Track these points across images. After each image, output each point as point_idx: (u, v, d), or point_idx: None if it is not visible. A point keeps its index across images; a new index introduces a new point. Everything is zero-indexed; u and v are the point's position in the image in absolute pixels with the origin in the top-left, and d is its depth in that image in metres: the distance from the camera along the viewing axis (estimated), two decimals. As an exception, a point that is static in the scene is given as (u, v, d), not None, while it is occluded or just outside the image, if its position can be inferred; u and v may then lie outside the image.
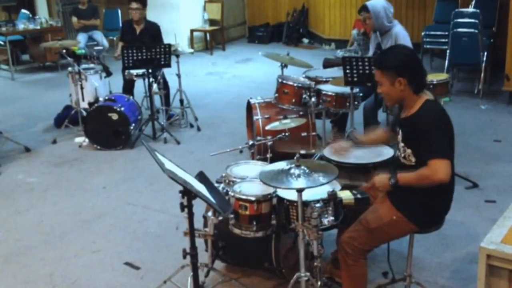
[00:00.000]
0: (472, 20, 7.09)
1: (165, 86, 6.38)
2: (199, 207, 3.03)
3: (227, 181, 3.39)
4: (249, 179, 3.30)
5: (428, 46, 8.30)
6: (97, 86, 6.21)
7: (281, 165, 2.89)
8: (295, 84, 4.89)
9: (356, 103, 4.82)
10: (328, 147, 3.49)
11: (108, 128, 5.85)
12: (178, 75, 6.33)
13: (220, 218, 3.10)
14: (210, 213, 3.13)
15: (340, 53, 9.27)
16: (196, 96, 7.42)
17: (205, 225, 3.37)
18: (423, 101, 2.82)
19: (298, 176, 2.75)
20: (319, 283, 2.94)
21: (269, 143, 3.87)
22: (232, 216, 3.10)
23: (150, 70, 5.94)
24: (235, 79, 8.82)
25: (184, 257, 2.87)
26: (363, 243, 2.90)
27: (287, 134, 3.95)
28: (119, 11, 10.26)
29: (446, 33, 7.45)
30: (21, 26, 9.30)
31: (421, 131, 2.74)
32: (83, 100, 6.12)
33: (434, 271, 3.56)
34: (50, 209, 4.68)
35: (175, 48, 6.28)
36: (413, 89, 2.81)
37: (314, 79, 5.18)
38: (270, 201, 3.07)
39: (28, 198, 4.89)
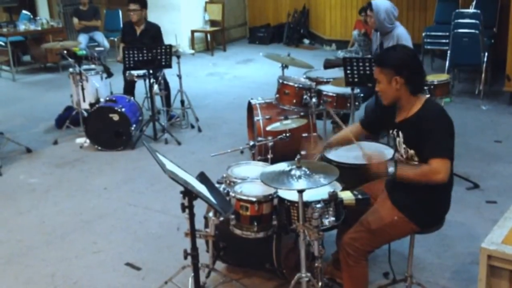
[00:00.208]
0: (473, 21, 7.09)
1: (166, 86, 6.38)
2: (200, 207, 3.04)
3: (228, 181, 3.39)
4: (250, 179, 3.30)
5: (428, 47, 8.30)
6: (98, 87, 6.22)
7: (282, 166, 2.90)
8: (296, 85, 4.90)
9: (357, 103, 4.83)
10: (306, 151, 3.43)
11: (109, 129, 5.85)
12: (179, 76, 6.34)
13: (221, 218, 3.11)
14: (211, 214, 3.13)
15: (340, 53, 9.28)
16: (197, 96, 7.42)
17: (206, 226, 3.37)
18: (423, 101, 2.82)
19: (299, 177, 2.75)
20: (320, 283, 2.94)
21: (270, 143, 3.88)
22: (233, 216, 3.10)
23: (151, 71, 5.95)
24: (236, 80, 8.83)
25: (185, 258, 2.87)
26: (364, 244, 2.90)
27: (288, 134, 3.95)
28: (120, 12, 10.27)
29: (447, 33, 7.45)
30: (22, 27, 9.31)
31: (424, 130, 2.74)
32: (84, 101, 6.13)
33: (435, 272, 3.56)
34: (52, 209, 4.68)
35: (176, 49, 6.28)
36: (410, 89, 2.81)
37: (315, 79, 5.19)
38: (271, 201, 3.08)
39: (29, 198, 4.90)
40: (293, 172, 2.79)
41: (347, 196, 2.95)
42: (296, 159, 2.84)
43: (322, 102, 4.87)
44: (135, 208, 4.65)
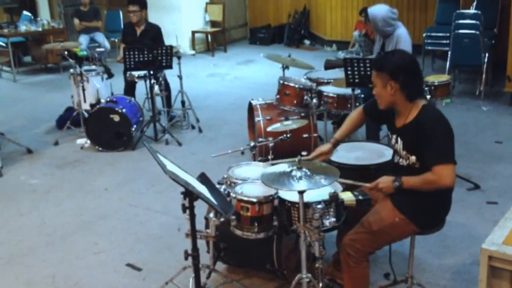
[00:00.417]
0: (474, 22, 7.09)
1: (166, 87, 6.39)
2: (200, 208, 3.04)
3: (228, 182, 3.39)
4: (251, 180, 3.30)
5: (429, 48, 8.30)
6: (98, 88, 6.23)
7: (283, 167, 2.90)
8: (297, 86, 4.90)
9: (357, 104, 4.83)
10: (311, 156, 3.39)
11: (109, 130, 5.86)
12: (180, 77, 6.34)
13: (222, 219, 3.10)
14: (211, 215, 3.13)
15: (341, 54, 9.29)
16: (198, 97, 7.43)
17: (207, 227, 3.37)
18: (419, 107, 2.81)
19: (300, 178, 2.75)
20: (320, 284, 2.94)
21: (271, 144, 3.88)
22: (233, 217, 3.10)
23: (151, 72, 5.95)
24: (237, 81, 8.83)
25: (186, 259, 2.88)
26: (365, 245, 2.90)
27: (288, 135, 3.95)
28: (121, 13, 10.28)
29: (448, 34, 7.45)
30: (23, 27, 9.32)
31: (424, 136, 2.74)
32: (84, 101, 6.14)
33: (436, 273, 3.56)
34: (52, 210, 4.68)
35: (177, 49, 6.29)
36: (406, 95, 2.81)
37: (315, 80, 5.19)
38: (271, 202, 3.08)
39: (30, 199, 4.90)
40: (293, 173, 2.79)
41: (347, 197, 2.95)
42: (296, 160, 2.84)
43: (322, 103, 4.87)
44: (136, 208, 4.65)
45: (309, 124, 4.86)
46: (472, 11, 7.72)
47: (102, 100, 6.06)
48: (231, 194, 3.15)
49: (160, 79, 6.15)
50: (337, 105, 4.83)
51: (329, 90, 4.90)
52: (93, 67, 6.46)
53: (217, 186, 3.22)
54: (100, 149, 5.91)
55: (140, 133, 6.14)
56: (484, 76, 7.08)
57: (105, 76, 6.34)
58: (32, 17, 10.10)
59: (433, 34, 8.18)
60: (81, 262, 3.87)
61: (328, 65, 6.48)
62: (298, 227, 2.85)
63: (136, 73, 6.07)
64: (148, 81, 6.03)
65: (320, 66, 6.58)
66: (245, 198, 3.05)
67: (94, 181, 5.23)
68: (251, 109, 5.30)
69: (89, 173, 5.43)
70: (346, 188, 3.08)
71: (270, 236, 3.14)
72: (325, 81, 5.18)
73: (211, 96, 7.89)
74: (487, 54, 7.07)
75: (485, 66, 7.04)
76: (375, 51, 5.37)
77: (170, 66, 6.01)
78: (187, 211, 2.75)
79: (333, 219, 2.89)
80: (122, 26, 9.32)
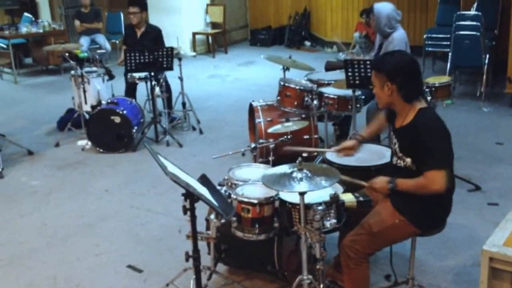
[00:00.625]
0: (474, 23, 7.10)
1: (167, 89, 6.39)
2: (201, 210, 3.04)
3: (229, 184, 3.40)
4: (252, 182, 3.30)
5: (430, 49, 8.30)
6: (99, 89, 6.23)
7: (284, 168, 2.90)
8: (297, 87, 4.90)
9: (358, 105, 4.83)
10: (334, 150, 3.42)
11: (110, 131, 5.86)
12: (181, 78, 6.35)
13: (223, 221, 3.11)
14: (212, 216, 3.14)
15: (342, 56, 9.28)
16: (198, 99, 7.43)
17: (208, 228, 3.37)
18: (416, 110, 2.81)
19: (300, 179, 2.75)
20: (321, 286, 2.94)
21: (271, 146, 3.88)
22: (234, 219, 3.10)
23: (152, 73, 5.96)
24: (237, 82, 8.84)
25: (187, 260, 2.87)
26: (365, 246, 2.90)
27: (289, 137, 3.96)
28: (121, 15, 10.28)
29: (448, 35, 7.45)
30: (24, 29, 9.32)
31: (418, 141, 2.75)
32: (85, 103, 6.14)
33: (437, 274, 3.56)
34: (53, 212, 4.69)
35: (177, 51, 6.29)
36: (402, 97, 2.81)
37: (316, 81, 5.19)
38: (272, 204, 3.08)
39: (31, 201, 4.90)
40: (294, 174, 2.79)
41: (348, 198, 2.95)
42: (297, 161, 2.85)
43: (323, 104, 4.87)
44: (136, 210, 4.65)
45: (309, 126, 4.86)
46: (472, 12, 7.73)
47: (103, 102, 6.07)
48: (232, 195, 3.15)
49: (161, 80, 6.16)
50: (337, 106, 4.83)
51: (330, 91, 4.90)
52: (94, 68, 6.47)
53: (218, 187, 3.22)
54: (101, 150, 5.92)
55: (141, 134, 6.14)
56: (484, 77, 7.08)
57: (106, 77, 6.35)
58: (33, 19, 10.11)
59: (434, 35, 8.18)
60: (82, 264, 3.87)
61: (329, 67, 6.49)
62: (299, 228, 2.85)
63: (137, 75, 6.07)
64: (149, 83, 6.03)
65: (320, 67, 6.58)
66: (246, 200, 3.05)
67: (95, 183, 5.23)
68: (251, 110, 5.31)
69: (90, 175, 5.43)
70: (347, 189, 3.09)
71: (271, 238, 3.15)
72: (326, 82, 5.18)
73: (212, 98, 7.90)
74: (487, 56, 7.07)
75: (485, 67, 7.04)
76: (374, 52, 5.37)
77: (170, 68, 6.01)
78: (188, 213, 2.75)
79: (334, 221, 2.89)
80: (123, 28, 9.35)
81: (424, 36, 8.29)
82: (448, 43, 7.45)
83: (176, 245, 4.00)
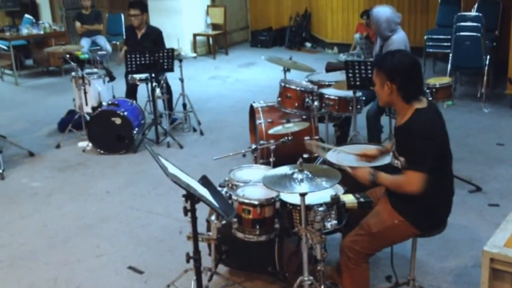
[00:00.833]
0: (475, 24, 7.09)
1: (168, 90, 6.40)
2: (202, 211, 3.04)
3: (230, 185, 3.40)
4: (252, 183, 3.31)
5: (430, 50, 8.31)
6: (100, 91, 6.23)
7: (284, 169, 2.90)
8: (298, 88, 4.90)
9: (358, 107, 4.83)
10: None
11: (111, 133, 5.87)
12: (181, 80, 6.35)
13: (223, 222, 3.11)
14: (213, 217, 3.14)
15: (342, 57, 9.29)
16: (199, 100, 7.43)
17: (208, 229, 3.37)
18: (412, 110, 2.82)
19: (301, 180, 2.76)
20: (322, 287, 2.94)
21: (272, 147, 3.88)
22: (235, 220, 3.10)
23: (153, 75, 5.96)
24: (238, 83, 8.84)
25: (188, 261, 2.88)
26: (365, 247, 2.90)
27: (290, 138, 3.96)
28: (122, 16, 10.30)
29: (449, 36, 7.45)
30: (24, 31, 9.33)
31: (408, 142, 2.78)
32: (86, 104, 6.14)
33: (438, 275, 3.55)
34: (54, 213, 4.69)
35: (178, 52, 6.30)
36: (402, 96, 2.82)
37: (316, 83, 5.19)
38: (273, 205, 3.08)
39: (32, 202, 4.91)
40: (295, 175, 2.80)
41: (349, 199, 2.96)
42: (298, 162, 2.85)
43: (324, 105, 4.87)
44: (137, 211, 4.65)
45: (310, 127, 4.85)
46: (473, 13, 7.73)
47: (104, 103, 6.07)
48: (233, 196, 3.15)
49: (162, 82, 6.16)
50: (338, 107, 4.83)
51: (331, 92, 4.90)
52: (95, 70, 6.47)
53: (219, 188, 3.22)
54: (102, 152, 5.92)
55: (142, 136, 6.14)
56: (485, 78, 7.08)
57: (107, 79, 6.35)
58: (34, 20, 10.12)
59: (434, 36, 8.18)
60: (83, 265, 3.88)
61: (329, 68, 6.49)
62: (299, 229, 2.85)
63: (137, 76, 6.08)
64: (149, 84, 6.04)
65: (321, 68, 6.59)
66: (247, 201, 3.06)
67: (95, 184, 5.23)
68: (252, 111, 5.31)
69: (90, 176, 5.43)
70: (348, 191, 3.09)
71: (271, 239, 3.15)
72: (327, 83, 5.18)
73: (213, 99, 7.90)
74: (488, 56, 7.07)
75: (486, 68, 7.04)
76: (374, 54, 5.37)
77: (171, 69, 6.02)
78: (189, 214, 2.75)
79: (335, 222, 2.89)
80: (123, 29, 9.37)
81: (425, 37, 8.29)
82: (449, 44, 7.45)
83: (176, 246, 4.00)
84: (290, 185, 2.74)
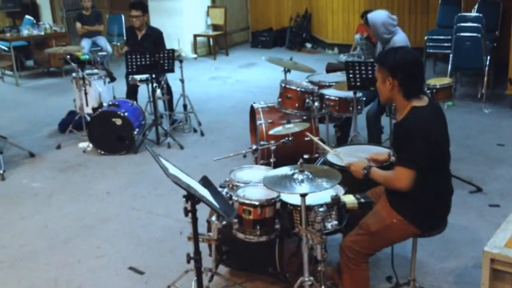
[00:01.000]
0: (475, 24, 7.09)
1: (168, 91, 6.40)
2: (203, 211, 3.04)
3: (230, 185, 3.40)
4: (253, 183, 3.31)
5: (431, 51, 8.30)
6: (101, 92, 6.23)
7: (285, 170, 2.90)
8: (298, 89, 4.91)
9: (359, 107, 4.84)
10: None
11: (112, 133, 5.87)
12: (182, 80, 6.35)
13: (224, 222, 3.11)
14: (214, 218, 3.13)
15: (343, 57, 9.29)
16: (200, 101, 7.44)
17: (209, 230, 3.37)
18: (409, 108, 2.83)
19: (302, 181, 2.76)
20: (322, 287, 2.94)
21: (273, 147, 3.88)
22: (235, 220, 3.11)
23: (153, 75, 5.96)
24: (239, 84, 8.84)
25: (188, 262, 2.88)
26: (364, 247, 2.91)
27: (290, 138, 3.96)
28: (123, 17, 10.30)
29: (449, 37, 7.45)
30: (25, 32, 9.33)
31: (401, 139, 2.80)
32: (87, 105, 6.14)
33: (438, 276, 3.55)
34: (55, 214, 4.69)
35: (179, 53, 6.30)
36: (402, 93, 2.83)
37: (317, 83, 5.20)
38: (273, 205, 3.08)
39: (32, 203, 4.91)
40: (295, 176, 2.80)
41: (349, 199, 2.95)
42: (298, 163, 2.85)
43: (324, 106, 4.87)
44: (138, 212, 4.65)
45: (311, 127, 4.85)
46: (473, 14, 7.72)
47: (104, 104, 6.07)
48: (233, 197, 3.15)
49: (162, 82, 6.16)
50: (338, 108, 4.84)
51: (331, 93, 4.91)
52: (95, 71, 6.48)
53: (219, 189, 3.22)
54: (102, 152, 5.92)
55: (142, 136, 6.14)
56: (485, 79, 7.07)
57: (107, 79, 6.36)
58: (34, 21, 10.11)
59: (435, 37, 8.18)
60: (84, 266, 3.88)
61: (330, 68, 6.51)
62: (300, 230, 2.86)
63: (138, 77, 6.09)
64: (150, 85, 6.05)
65: (321, 69, 6.60)
66: (247, 201, 3.06)
67: (96, 185, 5.24)
68: (253, 112, 5.31)
69: (91, 177, 5.43)
70: (348, 191, 3.09)
71: (272, 239, 3.15)
72: (327, 84, 5.19)
73: (213, 100, 7.90)
74: (488, 57, 7.07)
75: (486, 68, 7.04)
76: (376, 54, 5.37)
77: (172, 70, 6.02)
78: (189, 215, 2.75)
79: (335, 222, 2.90)
80: (124, 30, 9.35)
81: (425, 37, 8.28)
82: (449, 44, 7.45)
83: (177, 247, 4.00)
84: (290, 186, 2.75)
